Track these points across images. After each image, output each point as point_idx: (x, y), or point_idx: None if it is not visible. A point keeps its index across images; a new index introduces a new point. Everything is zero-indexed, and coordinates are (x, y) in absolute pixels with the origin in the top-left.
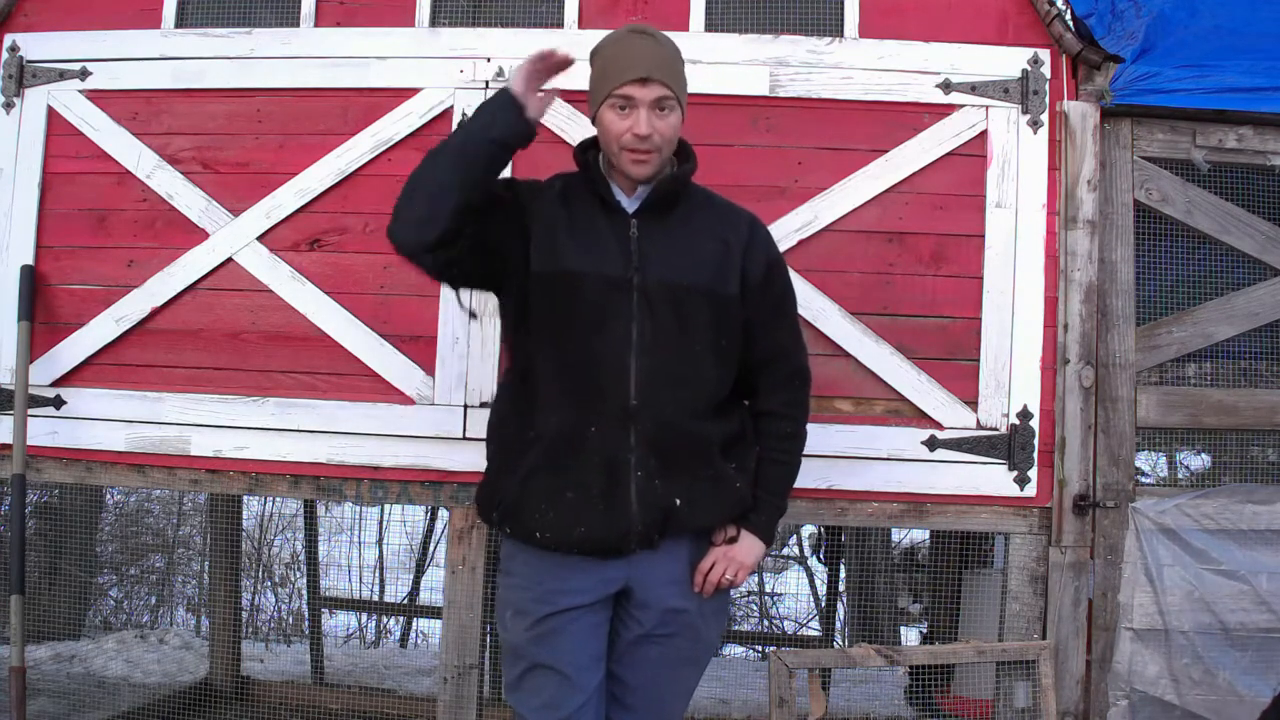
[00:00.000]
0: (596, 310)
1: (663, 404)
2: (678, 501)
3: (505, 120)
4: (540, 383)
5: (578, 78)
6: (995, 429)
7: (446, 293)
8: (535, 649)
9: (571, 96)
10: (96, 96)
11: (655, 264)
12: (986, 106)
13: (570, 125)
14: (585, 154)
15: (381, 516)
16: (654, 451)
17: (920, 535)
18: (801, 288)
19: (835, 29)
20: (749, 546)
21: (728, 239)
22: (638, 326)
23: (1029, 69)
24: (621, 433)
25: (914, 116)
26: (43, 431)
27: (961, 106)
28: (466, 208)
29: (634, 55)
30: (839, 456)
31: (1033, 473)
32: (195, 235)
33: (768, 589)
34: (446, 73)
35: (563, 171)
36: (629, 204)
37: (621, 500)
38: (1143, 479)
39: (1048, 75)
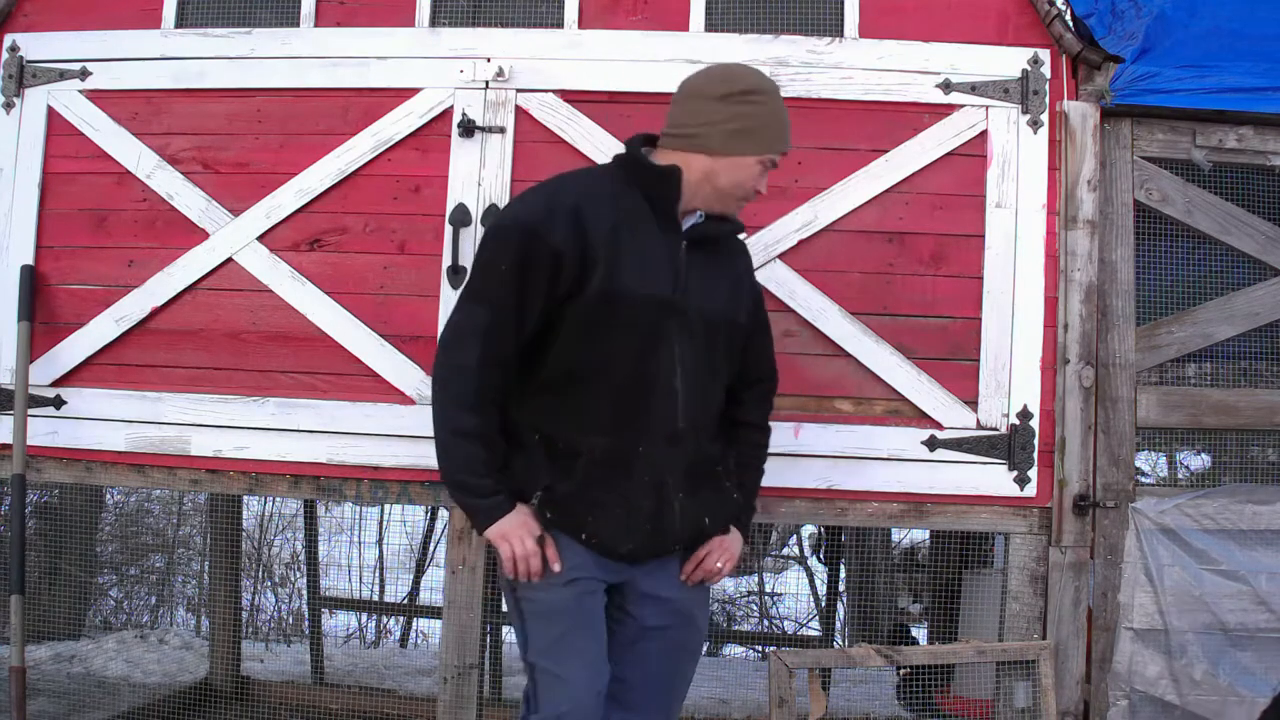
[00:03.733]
0: (649, 332)
1: (700, 427)
2: (707, 520)
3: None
4: (587, 398)
5: (578, 78)
6: (995, 429)
7: (446, 293)
8: (578, 608)
9: (571, 96)
10: (96, 96)
11: (695, 291)
12: (986, 106)
13: (570, 125)
14: (662, 173)
15: (381, 516)
16: (688, 473)
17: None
18: (801, 288)
19: (835, 29)
20: (737, 540)
21: (738, 268)
22: (680, 350)
23: (1029, 69)
24: (668, 454)
25: (914, 116)
26: (43, 431)
27: (961, 106)
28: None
29: (787, 125)
30: (839, 456)
31: (1033, 473)
32: (195, 235)
33: (768, 589)
34: (446, 73)
35: (597, 168)
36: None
37: (668, 521)
38: (1143, 479)
39: (1048, 75)
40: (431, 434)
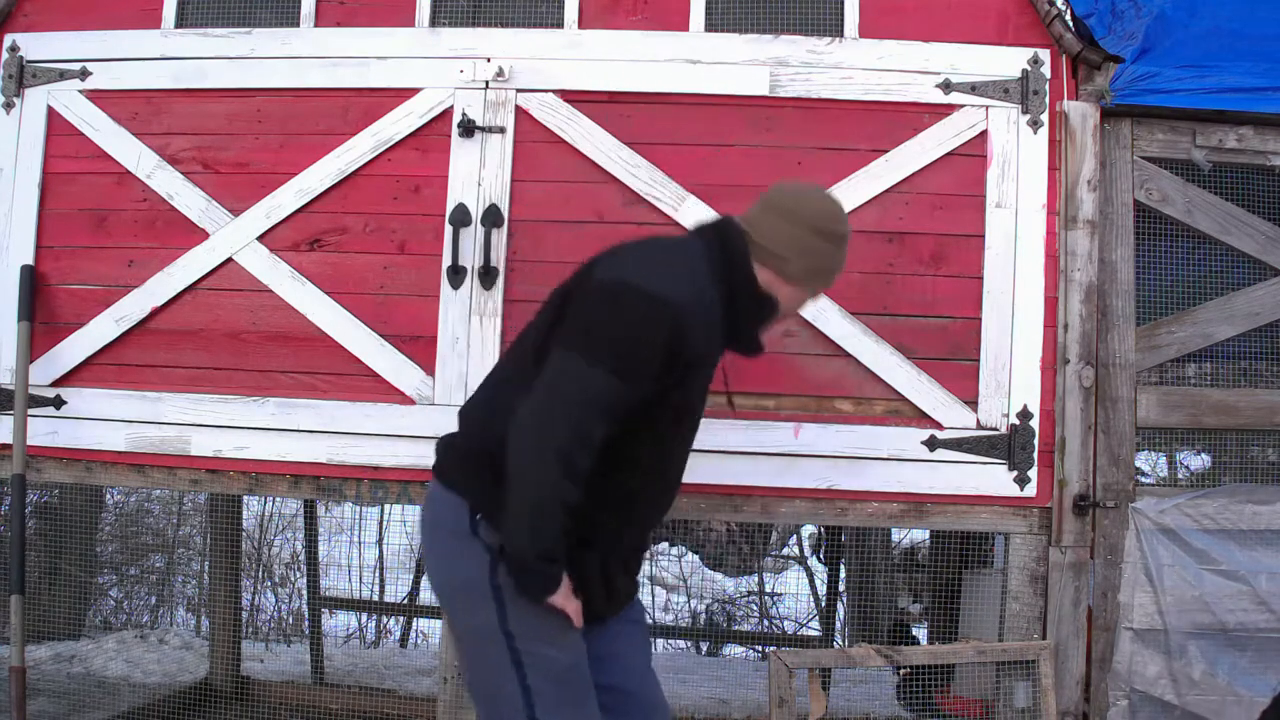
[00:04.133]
0: (686, 439)
1: None
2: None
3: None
4: (633, 490)
5: (578, 78)
6: (995, 429)
7: (446, 293)
8: (585, 672)
9: (571, 96)
10: (96, 96)
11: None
12: (986, 106)
13: (570, 126)
14: (770, 307)
15: (381, 516)
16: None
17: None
18: None
19: (835, 29)
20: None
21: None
22: (687, 450)
23: (1029, 69)
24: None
25: (914, 116)
26: (43, 431)
27: (961, 106)
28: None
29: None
30: (839, 456)
31: (1033, 473)
32: (195, 235)
33: (768, 589)
34: (446, 73)
35: (698, 246)
36: None
37: (633, 585)
38: (1143, 479)
39: (1048, 75)
40: (432, 434)
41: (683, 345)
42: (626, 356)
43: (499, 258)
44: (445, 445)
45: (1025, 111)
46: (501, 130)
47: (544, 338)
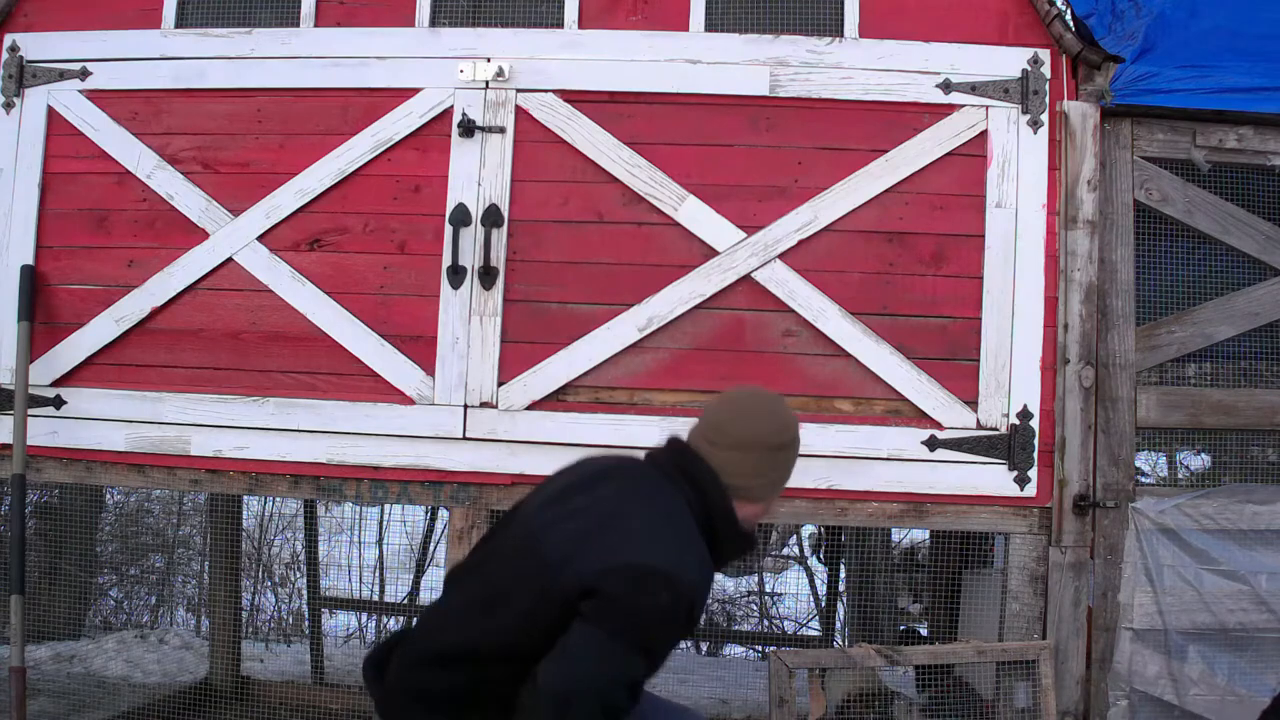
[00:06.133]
0: None
1: None
2: None
3: None
4: None
5: (578, 78)
6: (995, 429)
7: (446, 293)
8: None
9: (571, 96)
10: (96, 96)
11: None
12: (986, 106)
13: (569, 125)
14: (749, 543)
15: (381, 516)
16: None
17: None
18: (801, 288)
19: (835, 29)
20: None
21: None
22: None
23: (1029, 69)
24: None
25: (914, 116)
26: (43, 431)
27: (961, 106)
28: None
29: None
30: (839, 456)
31: (1033, 473)
32: (195, 235)
33: (768, 589)
34: (446, 73)
35: (683, 500)
36: None
37: None
38: (1143, 479)
39: (1048, 75)
40: (431, 434)
41: (696, 615)
42: (659, 640)
43: (499, 257)
44: (380, 681)
45: (1025, 111)
46: (501, 130)
47: (536, 608)
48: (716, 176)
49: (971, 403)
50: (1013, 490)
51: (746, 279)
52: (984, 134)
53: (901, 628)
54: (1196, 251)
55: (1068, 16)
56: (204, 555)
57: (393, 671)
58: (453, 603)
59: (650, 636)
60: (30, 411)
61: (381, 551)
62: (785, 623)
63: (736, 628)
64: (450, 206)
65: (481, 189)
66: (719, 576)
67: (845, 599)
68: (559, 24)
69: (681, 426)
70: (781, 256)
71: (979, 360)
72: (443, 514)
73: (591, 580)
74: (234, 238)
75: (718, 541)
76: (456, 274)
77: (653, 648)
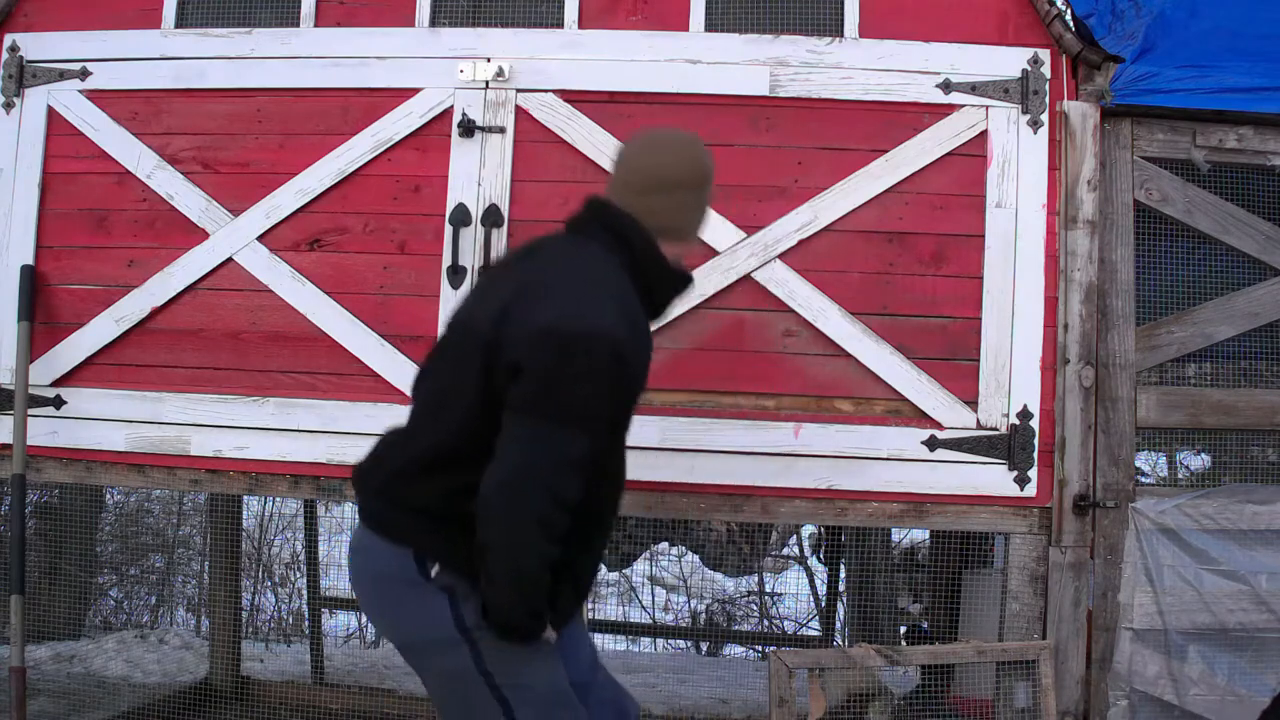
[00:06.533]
0: (626, 434)
1: None
2: None
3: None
4: (598, 508)
5: (578, 78)
6: (995, 429)
7: (446, 292)
8: (565, 682)
9: (571, 96)
10: (96, 96)
11: None
12: (986, 106)
13: (569, 125)
14: (689, 283)
15: None
16: None
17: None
18: (801, 288)
19: (835, 29)
20: None
21: None
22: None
23: (1029, 69)
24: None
25: (914, 116)
26: (43, 431)
27: (961, 106)
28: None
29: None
30: (839, 456)
31: (1033, 473)
32: (195, 235)
33: (768, 589)
34: (446, 73)
35: (610, 256)
36: None
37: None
38: (1143, 479)
39: (1048, 75)
40: None
41: (634, 376)
42: (593, 407)
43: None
44: (382, 500)
45: (1025, 111)
46: (501, 130)
47: (480, 393)
48: (717, 176)
49: (971, 403)
50: (1013, 490)
51: (746, 279)
52: (984, 134)
53: (903, 628)
54: (1196, 251)
55: (1068, 16)
56: (204, 555)
57: (372, 487)
58: (413, 411)
59: (581, 405)
60: (30, 411)
61: None
62: (785, 623)
63: (736, 628)
64: (450, 206)
65: (481, 189)
66: (719, 577)
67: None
68: (559, 24)
69: (681, 426)
70: (781, 256)
71: (979, 360)
72: None
73: (513, 353)
74: (234, 238)
75: (652, 287)
76: (456, 274)
77: (588, 415)
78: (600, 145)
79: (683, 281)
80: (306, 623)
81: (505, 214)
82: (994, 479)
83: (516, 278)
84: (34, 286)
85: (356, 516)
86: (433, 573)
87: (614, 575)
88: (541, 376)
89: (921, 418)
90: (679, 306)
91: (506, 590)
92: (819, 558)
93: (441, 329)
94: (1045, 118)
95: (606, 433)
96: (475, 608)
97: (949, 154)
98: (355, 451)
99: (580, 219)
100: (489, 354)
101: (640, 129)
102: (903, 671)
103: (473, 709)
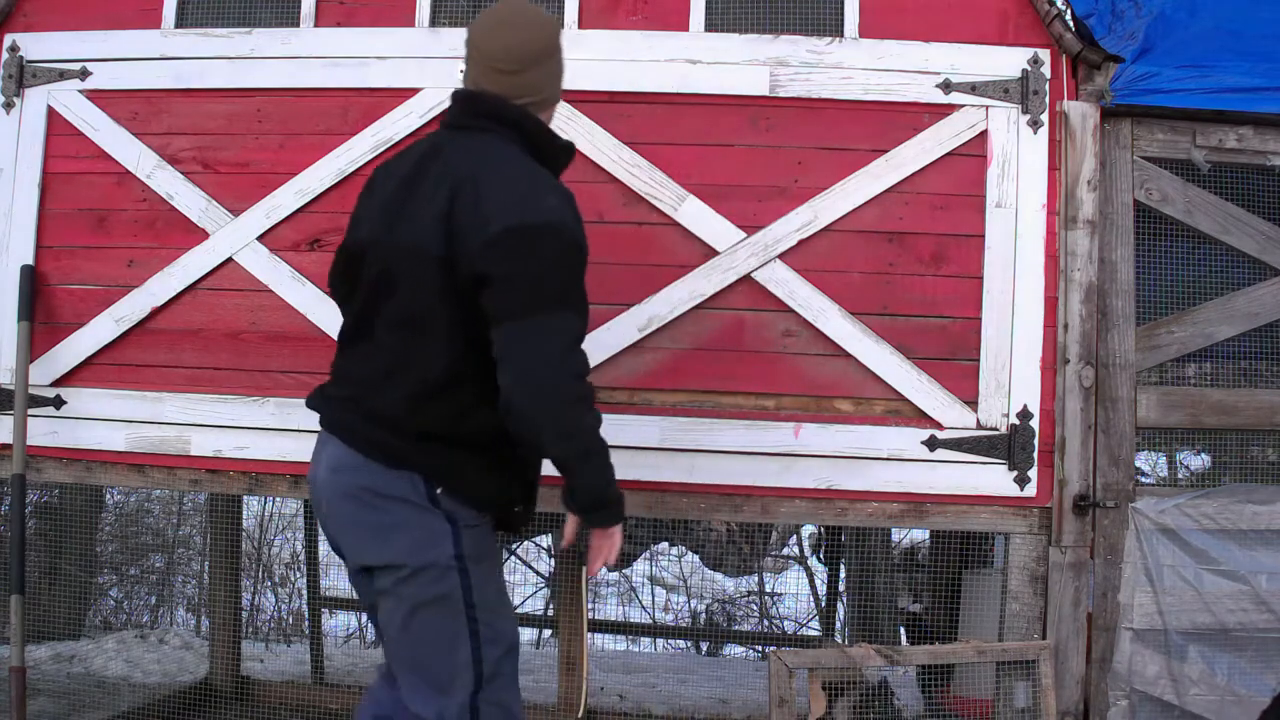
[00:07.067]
0: None
1: None
2: None
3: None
4: None
5: (578, 78)
6: (995, 429)
7: None
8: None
9: (571, 96)
10: (96, 96)
11: None
12: (986, 106)
13: (569, 125)
14: (565, 144)
15: None
16: None
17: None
18: (801, 288)
19: (835, 29)
20: None
21: None
22: None
23: (1029, 69)
24: None
25: (914, 116)
26: (43, 431)
27: (961, 106)
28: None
29: None
30: (839, 456)
31: (1033, 473)
32: (195, 235)
33: (768, 589)
34: (447, 73)
35: (520, 147)
36: None
37: None
38: (1143, 479)
39: (1048, 75)
40: None
41: (585, 242)
42: (574, 294)
43: None
44: (384, 430)
45: (1025, 111)
46: None
47: (455, 309)
48: (716, 176)
49: (971, 403)
50: (1013, 490)
51: (746, 279)
52: (984, 134)
53: (901, 627)
54: (1196, 251)
55: (1068, 16)
56: (204, 555)
57: (364, 417)
58: (379, 345)
59: (561, 290)
60: (30, 411)
61: None
62: (785, 623)
63: (736, 628)
64: None
65: None
66: (719, 577)
67: (845, 599)
68: (559, 24)
69: (681, 426)
70: (781, 256)
71: (979, 360)
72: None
73: (479, 264)
74: (234, 238)
75: (547, 163)
76: None
77: (571, 298)
78: (600, 145)
79: (568, 152)
80: (306, 623)
81: None
82: (994, 479)
83: (436, 188)
84: (34, 286)
85: (334, 440)
86: (440, 498)
87: (614, 575)
88: (517, 278)
89: (921, 418)
90: (681, 308)
91: (590, 474)
92: (819, 558)
93: (348, 252)
94: (1045, 118)
95: (587, 309)
96: (473, 537)
97: (949, 154)
98: None
99: (462, 115)
100: (447, 273)
101: (483, 11)
102: (902, 672)
103: (443, 638)
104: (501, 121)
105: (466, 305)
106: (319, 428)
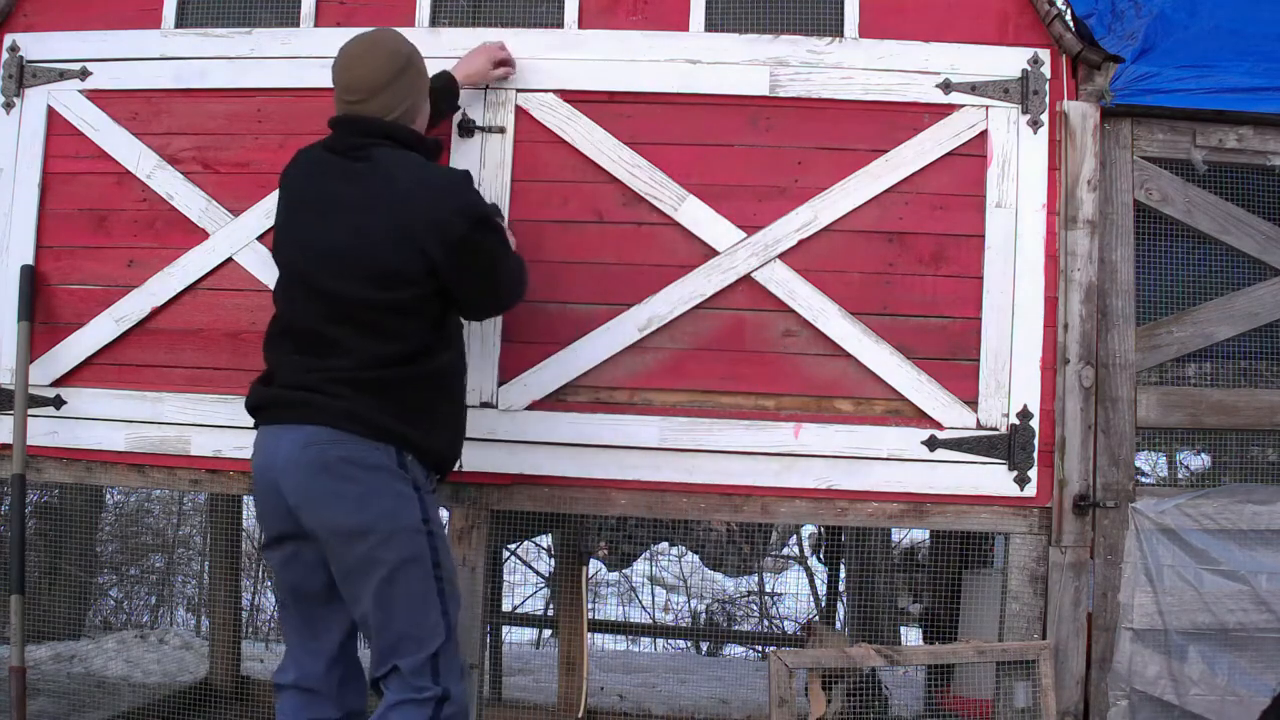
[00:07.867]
0: None
1: None
2: None
3: None
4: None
5: (578, 78)
6: (995, 429)
7: None
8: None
9: (571, 96)
10: (96, 96)
11: None
12: (986, 106)
13: (569, 125)
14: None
15: None
16: None
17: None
18: (801, 288)
19: (835, 29)
20: None
21: None
22: None
23: (1029, 69)
24: None
25: (914, 116)
26: (43, 431)
27: (961, 106)
28: None
29: None
30: (839, 456)
31: (1033, 473)
32: (195, 235)
33: (768, 589)
34: None
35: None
36: None
37: None
38: (1143, 479)
39: (1048, 75)
40: None
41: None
42: (512, 254)
43: None
44: (363, 404)
45: (1025, 111)
46: (501, 130)
47: (431, 287)
48: (716, 176)
49: (971, 403)
50: (1013, 490)
51: (746, 279)
52: (984, 134)
53: (914, 628)
54: (1196, 251)
55: (1068, 16)
56: (204, 555)
57: (347, 396)
58: (347, 334)
59: (505, 237)
60: (30, 411)
61: None
62: (785, 623)
63: (736, 628)
64: None
65: (481, 189)
66: (719, 577)
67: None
68: (559, 24)
69: (681, 426)
70: (781, 256)
71: (979, 360)
72: (442, 514)
73: (448, 234)
74: (234, 237)
75: (430, 155)
76: None
77: (508, 246)
78: (600, 145)
79: (438, 149)
80: None
81: (505, 214)
82: (994, 479)
83: (390, 193)
84: (34, 286)
85: (295, 426)
86: (410, 467)
87: (614, 575)
88: (479, 226)
89: (921, 418)
90: (681, 308)
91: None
92: (819, 558)
93: (294, 267)
94: (1045, 118)
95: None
96: (432, 503)
97: (949, 154)
98: None
99: (351, 141)
100: (426, 259)
101: (339, 50)
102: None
103: (417, 596)
104: (382, 135)
105: (439, 280)
106: (265, 421)
